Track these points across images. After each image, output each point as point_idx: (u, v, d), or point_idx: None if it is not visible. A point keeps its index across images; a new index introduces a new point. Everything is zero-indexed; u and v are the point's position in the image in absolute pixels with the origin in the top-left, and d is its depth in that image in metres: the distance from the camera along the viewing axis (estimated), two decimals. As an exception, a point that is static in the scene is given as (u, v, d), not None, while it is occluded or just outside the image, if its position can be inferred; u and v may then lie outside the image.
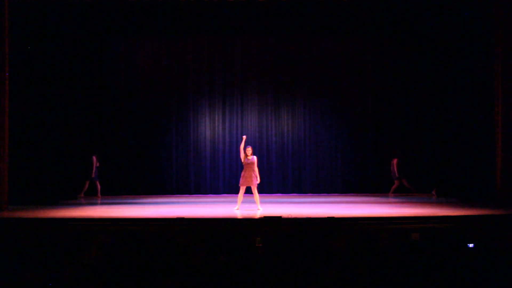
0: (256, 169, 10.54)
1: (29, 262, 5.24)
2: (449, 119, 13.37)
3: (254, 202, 10.60)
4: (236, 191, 11.41)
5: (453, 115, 13.10)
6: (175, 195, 14.54)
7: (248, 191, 10.62)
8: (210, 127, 15.18)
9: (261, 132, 15.19)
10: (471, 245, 6.00)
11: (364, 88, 15.11)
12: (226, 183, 15.02)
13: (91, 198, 13.33)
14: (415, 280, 4.69)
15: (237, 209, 10.42)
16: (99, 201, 12.80)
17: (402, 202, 11.98)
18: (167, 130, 15.09)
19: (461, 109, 12.60)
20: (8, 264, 5.19)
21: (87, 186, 13.64)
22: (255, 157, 10.60)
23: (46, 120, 12.53)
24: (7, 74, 10.43)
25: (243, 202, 10.62)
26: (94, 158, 13.63)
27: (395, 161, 13.90)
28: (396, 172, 13.83)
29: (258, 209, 10.37)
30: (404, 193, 14.10)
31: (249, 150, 10.56)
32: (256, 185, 10.56)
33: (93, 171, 13.56)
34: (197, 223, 8.52)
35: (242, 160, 10.57)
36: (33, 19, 12.05)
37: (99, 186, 13.71)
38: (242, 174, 10.57)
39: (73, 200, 12.85)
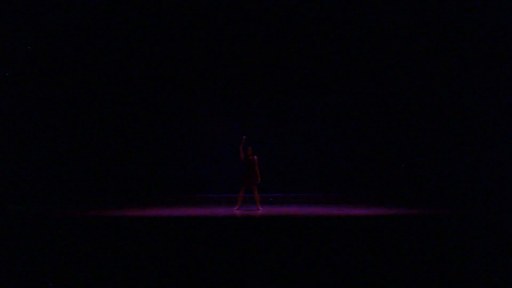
0: (257, 169, 10.55)
1: (29, 262, 5.26)
2: (449, 120, 13.40)
3: (254, 202, 10.61)
4: (236, 191, 11.42)
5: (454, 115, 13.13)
6: (175, 195, 14.55)
7: (248, 191, 10.63)
8: (210, 126, 15.19)
9: (261, 132, 15.20)
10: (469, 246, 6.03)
11: (365, 88, 15.11)
12: (226, 183, 15.04)
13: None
14: (414, 278, 4.71)
15: (237, 209, 10.43)
16: None
17: (401, 203, 12.00)
18: (167, 130, 15.10)
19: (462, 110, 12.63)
20: (8, 264, 5.21)
21: None
22: (255, 157, 10.61)
23: (47, 121, 12.55)
24: (7, 74, 10.45)
25: (243, 202, 10.63)
26: None
27: None
28: None
29: (258, 209, 10.38)
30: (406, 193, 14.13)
31: (250, 150, 10.56)
32: (257, 185, 10.57)
33: None
34: (197, 223, 8.54)
35: (242, 160, 10.58)
36: (34, 19, 12.09)
37: None
38: (242, 174, 10.57)
39: (73, 200, 12.88)
